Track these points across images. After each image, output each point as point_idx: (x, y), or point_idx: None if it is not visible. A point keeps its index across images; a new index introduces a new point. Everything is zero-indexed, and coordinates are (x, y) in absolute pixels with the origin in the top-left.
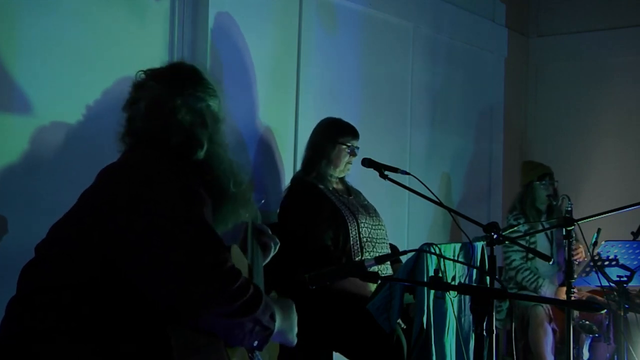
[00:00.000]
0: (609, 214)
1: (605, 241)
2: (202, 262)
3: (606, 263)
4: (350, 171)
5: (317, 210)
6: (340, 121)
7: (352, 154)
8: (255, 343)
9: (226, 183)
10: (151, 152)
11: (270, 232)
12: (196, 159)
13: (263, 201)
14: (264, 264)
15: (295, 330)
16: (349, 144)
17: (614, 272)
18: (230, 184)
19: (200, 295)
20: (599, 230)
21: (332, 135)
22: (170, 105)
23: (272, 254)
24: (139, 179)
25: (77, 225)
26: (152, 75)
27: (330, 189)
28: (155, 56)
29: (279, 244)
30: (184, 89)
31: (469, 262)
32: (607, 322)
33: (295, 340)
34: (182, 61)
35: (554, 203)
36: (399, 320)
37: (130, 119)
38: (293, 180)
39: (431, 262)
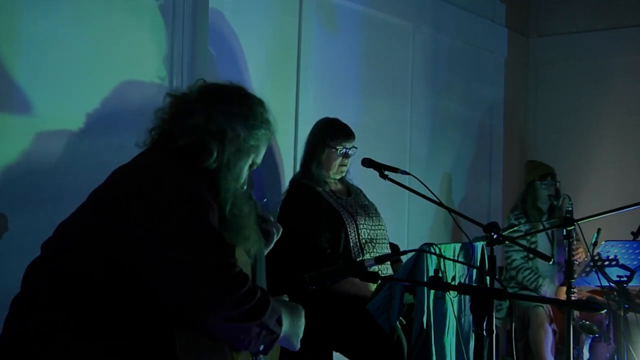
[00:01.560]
0: (609, 214)
1: (605, 241)
2: (209, 263)
3: (606, 263)
4: (345, 173)
5: (315, 213)
6: (333, 122)
7: (345, 156)
8: (261, 347)
9: (224, 208)
10: (164, 153)
11: (272, 219)
12: (207, 168)
13: (265, 200)
14: (266, 252)
15: (301, 336)
16: (338, 147)
17: (614, 272)
18: (227, 209)
19: (207, 296)
20: (599, 230)
21: (322, 138)
22: (189, 108)
23: (274, 240)
24: (150, 180)
25: (85, 225)
26: (204, 83)
27: (328, 190)
28: (155, 56)
29: (281, 230)
30: (216, 103)
31: (469, 262)
32: (607, 322)
33: (298, 346)
34: (246, 88)
35: (555, 203)
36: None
37: (159, 110)
38: (291, 182)
39: (431, 262)
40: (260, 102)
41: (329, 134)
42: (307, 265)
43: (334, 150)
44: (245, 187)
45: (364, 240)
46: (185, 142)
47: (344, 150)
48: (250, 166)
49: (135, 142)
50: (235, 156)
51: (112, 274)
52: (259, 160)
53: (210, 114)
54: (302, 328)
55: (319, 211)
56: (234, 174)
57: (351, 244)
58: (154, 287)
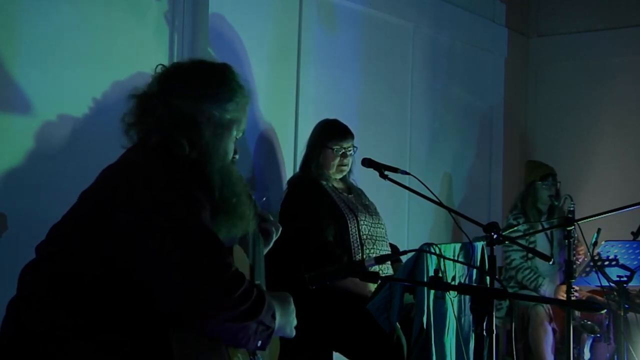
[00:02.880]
0: (609, 214)
1: (605, 241)
2: (206, 264)
3: (606, 263)
4: (345, 172)
5: (318, 206)
6: (332, 123)
7: (343, 156)
8: (259, 343)
9: (214, 192)
10: (146, 151)
11: (271, 218)
12: (190, 160)
13: (265, 199)
14: (265, 251)
15: (294, 322)
16: (335, 147)
17: (614, 272)
18: (216, 192)
19: (205, 298)
20: (599, 230)
21: (320, 139)
22: (151, 105)
23: (274, 240)
24: (139, 180)
25: (77, 226)
26: (162, 70)
27: (330, 185)
28: (155, 56)
29: (280, 229)
30: (178, 90)
31: (469, 262)
32: (607, 322)
33: (294, 333)
34: (203, 59)
35: (556, 203)
36: None
37: (125, 114)
38: (290, 181)
39: (431, 262)
40: (224, 70)
41: (327, 135)
42: (312, 261)
43: (331, 150)
44: (237, 157)
45: (364, 237)
46: (156, 140)
47: (342, 151)
48: (235, 137)
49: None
50: (215, 138)
51: (108, 274)
52: (242, 128)
53: (174, 106)
54: (294, 315)
55: (321, 205)
56: (218, 155)
57: (351, 240)
58: (151, 288)
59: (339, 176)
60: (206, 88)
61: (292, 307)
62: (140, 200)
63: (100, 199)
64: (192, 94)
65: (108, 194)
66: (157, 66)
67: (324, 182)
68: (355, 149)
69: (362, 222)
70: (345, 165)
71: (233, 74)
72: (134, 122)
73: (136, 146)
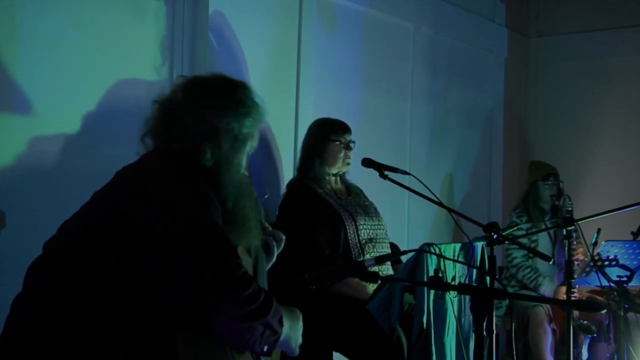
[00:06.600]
0: (609, 214)
1: (605, 241)
2: (215, 265)
3: (606, 263)
4: (349, 167)
5: (315, 214)
6: (329, 119)
7: (347, 148)
8: (265, 348)
9: (227, 202)
10: (163, 156)
11: (270, 228)
12: (205, 166)
13: (267, 196)
14: (269, 266)
15: (300, 340)
16: (340, 139)
17: (614, 272)
18: (229, 203)
19: (213, 298)
20: (599, 230)
21: (322, 133)
22: (177, 113)
23: (276, 253)
24: (153, 182)
25: (88, 225)
26: (186, 80)
27: (328, 190)
28: (155, 56)
29: (283, 240)
30: (203, 100)
31: (469, 262)
32: (607, 322)
33: (297, 352)
34: (224, 75)
35: (557, 203)
36: None
37: (149, 119)
38: (289, 185)
39: (431, 262)
40: (244, 87)
41: (329, 129)
42: (306, 267)
43: (337, 143)
44: (246, 173)
45: (363, 241)
46: (179, 147)
47: (346, 143)
48: (248, 152)
49: (133, 143)
50: (232, 150)
51: (115, 275)
52: (255, 144)
53: (199, 114)
54: (300, 332)
55: (317, 212)
56: (234, 167)
57: (351, 244)
58: (159, 289)
59: (345, 169)
60: (229, 100)
61: (301, 324)
62: (153, 197)
63: (113, 200)
64: (216, 104)
65: (122, 196)
66: (178, 77)
67: (321, 190)
68: (354, 143)
69: (361, 226)
70: (350, 158)
71: (251, 91)
72: (156, 128)
73: (154, 151)
